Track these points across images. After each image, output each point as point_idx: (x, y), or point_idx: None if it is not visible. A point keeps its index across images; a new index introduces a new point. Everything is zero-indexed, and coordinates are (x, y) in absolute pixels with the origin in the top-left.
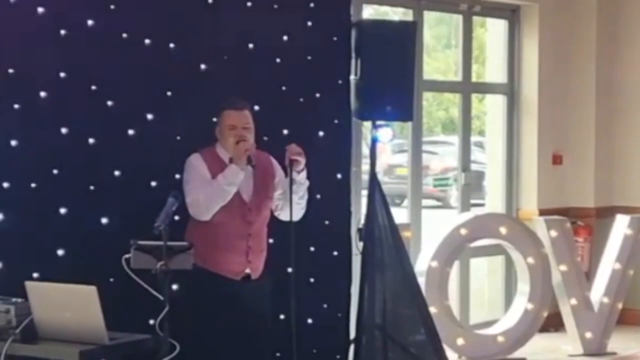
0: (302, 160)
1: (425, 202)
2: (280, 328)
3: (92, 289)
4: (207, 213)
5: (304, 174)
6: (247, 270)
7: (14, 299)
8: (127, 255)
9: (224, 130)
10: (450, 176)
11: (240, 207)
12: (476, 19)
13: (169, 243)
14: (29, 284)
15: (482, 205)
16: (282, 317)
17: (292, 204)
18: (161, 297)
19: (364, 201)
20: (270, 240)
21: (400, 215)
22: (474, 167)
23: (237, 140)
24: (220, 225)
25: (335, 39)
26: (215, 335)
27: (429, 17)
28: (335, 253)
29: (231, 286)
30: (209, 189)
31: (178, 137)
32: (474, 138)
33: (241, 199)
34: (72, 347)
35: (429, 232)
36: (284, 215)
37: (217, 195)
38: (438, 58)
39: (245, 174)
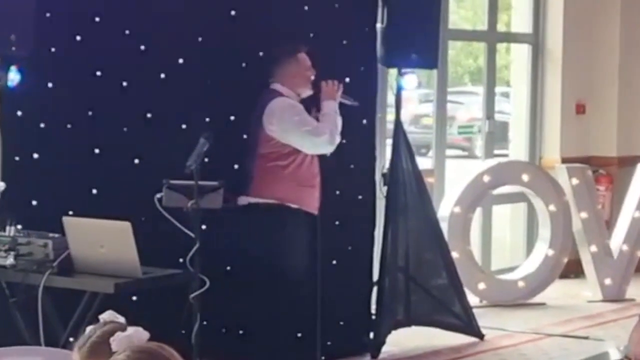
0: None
1: (450, 151)
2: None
3: (127, 225)
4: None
5: None
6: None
7: (51, 234)
8: (159, 194)
9: (304, 72)
10: (475, 125)
11: None
12: None
13: (200, 182)
14: (66, 220)
15: (506, 155)
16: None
17: None
18: (192, 235)
19: (388, 149)
20: None
21: (425, 164)
22: (499, 117)
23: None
24: (308, 164)
25: None
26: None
27: None
28: (360, 197)
29: (307, 221)
30: (332, 122)
31: (208, 81)
32: (500, 89)
33: None
34: (107, 280)
35: (454, 180)
36: None
37: (339, 129)
38: (466, 7)
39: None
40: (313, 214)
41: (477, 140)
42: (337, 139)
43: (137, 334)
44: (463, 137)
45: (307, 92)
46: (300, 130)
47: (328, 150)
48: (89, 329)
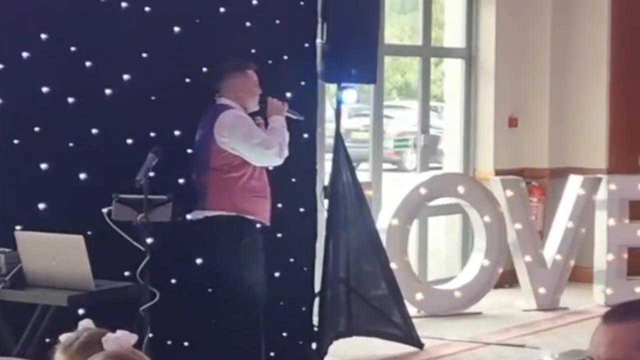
0: None
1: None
2: None
3: (79, 238)
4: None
5: None
6: None
7: (2, 248)
8: (106, 209)
9: (252, 88)
10: (409, 137)
11: None
12: None
13: (149, 196)
14: (18, 234)
15: (438, 168)
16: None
17: None
18: (142, 248)
19: (327, 164)
20: None
21: (359, 178)
22: (430, 131)
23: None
24: (259, 175)
25: (302, 3)
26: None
27: None
28: (302, 210)
29: (261, 232)
30: (281, 135)
31: (152, 97)
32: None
33: None
34: (60, 293)
35: (387, 192)
36: None
37: (287, 143)
38: (392, 23)
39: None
40: (266, 225)
41: (407, 154)
42: (286, 152)
43: (125, 337)
44: (393, 151)
45: (254, 107)
46: (251, 143)
47: (276, 162)
48: (67, 335)
